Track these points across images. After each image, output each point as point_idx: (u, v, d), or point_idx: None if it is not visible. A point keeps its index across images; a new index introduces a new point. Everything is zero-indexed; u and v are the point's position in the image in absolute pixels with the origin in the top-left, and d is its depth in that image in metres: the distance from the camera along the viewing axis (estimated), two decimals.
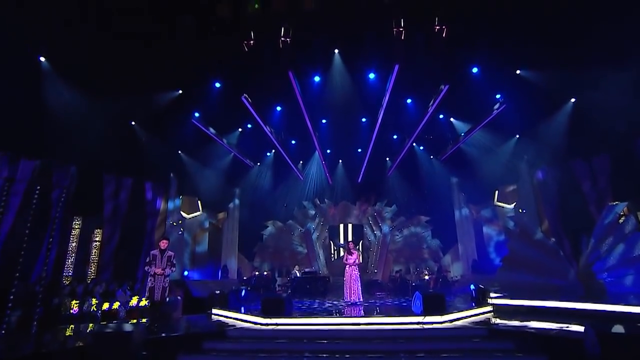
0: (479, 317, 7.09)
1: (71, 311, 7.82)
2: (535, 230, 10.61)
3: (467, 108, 14.06)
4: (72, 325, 7.37)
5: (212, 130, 14.67)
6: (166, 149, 14.82)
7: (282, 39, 9.43)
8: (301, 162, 19.43)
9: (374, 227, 18.96)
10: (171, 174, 15.70)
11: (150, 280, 6.63)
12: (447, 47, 10.30)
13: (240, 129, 16.31)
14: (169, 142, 14.70)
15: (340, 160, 19.97)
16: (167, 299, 6.94)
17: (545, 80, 11.64)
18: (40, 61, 10.36)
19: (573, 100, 12.63)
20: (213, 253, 16.75)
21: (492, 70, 12.08)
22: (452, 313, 6.66)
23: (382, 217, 18.81)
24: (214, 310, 8.06)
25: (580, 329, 4.85)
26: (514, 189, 14.89)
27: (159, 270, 6.62)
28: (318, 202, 19.84)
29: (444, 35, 9.49)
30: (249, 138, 16.53)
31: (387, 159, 19.00)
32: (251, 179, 19.04)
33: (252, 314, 6.95)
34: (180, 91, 13.03)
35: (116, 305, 8.44)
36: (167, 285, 6.70)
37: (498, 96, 13.14)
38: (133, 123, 14.21)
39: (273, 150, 18.49)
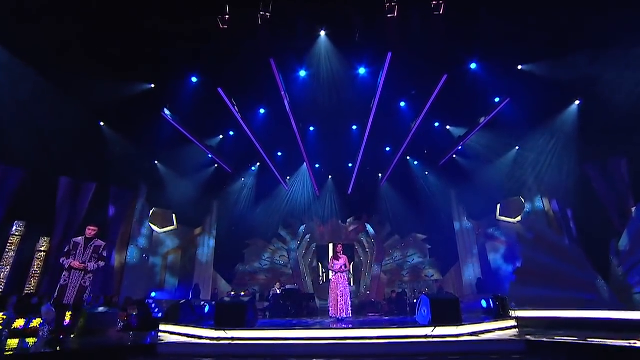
0: (503, 331, 5.45)
1: None
2: (552, 236, 9.17)
3: (464, 111, 13.01)
4: None
5: (188, 132, 13.24)
6: (137, 153, 13.31)
7: (262, 13, 8.34)
8: (288, 177, 17.97)
9: (366, 246, 17.25)
10: (141, 181, 14.14)
11: (64, 276, 4.89)
12: (445, 33, 9.35)
13: (221, 136, 14.97)
14: (141, 145, 13.22)
15: (330, 176, 18.58)
16: (86, 304, 5.16)
17: (551, 75, 10.67)
18: None
19: (577, 102, 11.74)
20: (186, 272, 14.80)
21: (492, 66, 11.15)
22: (469, 324, 5.03)
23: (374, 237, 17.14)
24: (162, 327, 6.27)
25: None
26: (519, 200, 13.52)
27: (76, 264, 4.91)
28: (305, 218, 18.16)
29: (441, 12, 8.50)
30: (231, 147, 15.11)
31: (380, 174, 17.70)
32: (232, 193, 17.45)
33: (201, 327, 5.23)
34: (153, 85, 11.79)
35: (36, 322, 6.53)
36: (87, 285, 4.98)
37: (497, 99, 12.21)
38: (102, 123, 12.85)
39: (258, 164, 17.09)
